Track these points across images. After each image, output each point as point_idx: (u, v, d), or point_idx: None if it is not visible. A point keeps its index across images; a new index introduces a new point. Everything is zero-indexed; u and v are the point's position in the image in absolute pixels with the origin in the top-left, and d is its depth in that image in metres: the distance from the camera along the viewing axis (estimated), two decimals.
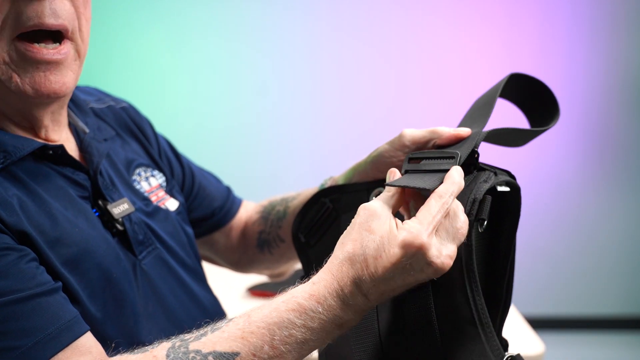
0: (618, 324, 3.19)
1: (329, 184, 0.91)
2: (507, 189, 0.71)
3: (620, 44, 2.97)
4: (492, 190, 0.69)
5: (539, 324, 2.97)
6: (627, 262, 3.18)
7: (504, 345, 0.75)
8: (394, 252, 0.62)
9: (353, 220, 0.66)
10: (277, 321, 0.63)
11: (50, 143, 0.76)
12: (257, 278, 1.61)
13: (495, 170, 0.70)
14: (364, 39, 2.95)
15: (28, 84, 0.70)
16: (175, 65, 2.99)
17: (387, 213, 0.65)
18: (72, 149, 0.83)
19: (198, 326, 0.67)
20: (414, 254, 0.62)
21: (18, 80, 0.70)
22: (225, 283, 1.33)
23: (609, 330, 3.18)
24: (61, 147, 0.76)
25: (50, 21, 0.70)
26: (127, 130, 0.97)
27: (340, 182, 0.88)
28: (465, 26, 2.95)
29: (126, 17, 2.91)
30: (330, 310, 0.63)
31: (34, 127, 0.77)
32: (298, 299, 0.64)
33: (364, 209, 0.66)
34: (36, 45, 0.70)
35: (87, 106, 0.91)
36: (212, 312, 0.91)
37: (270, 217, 1.07)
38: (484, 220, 0.66)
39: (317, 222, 0.84)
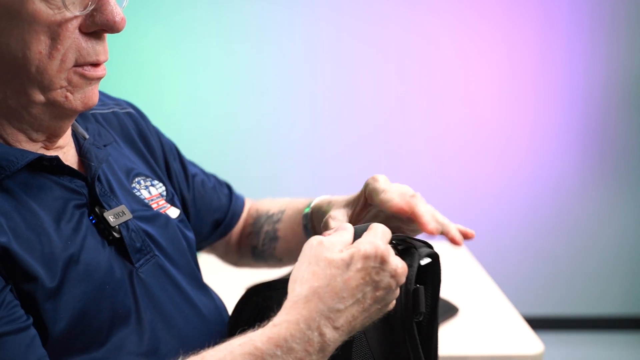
0: (618, 324, 3.19)
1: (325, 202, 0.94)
2: (428, 260, 0.74)
3: (620, 44, 2.97)
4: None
5: (538, 323, 2.97)
6: (627, 262, 3.18)
7: None
8: (360, 266, 0.63)
9: (302, 255, 0.67)
10: None
11: (46, 154, 0.75)
12: (256, 278, 1.61)
13: (414, 243, 0.73)
14: (365, 39, 2.95)
15: (79, 100, 0.74)
16: (175, 66, 2.98)
17: (334, 239, 0.67)
18: (72, 155, 0.82)
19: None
20: (380, 263, 0.64)
21: (71, 97, 0.73)
22: (225, 283, 1.34)
23: (608, 330, 3.18)
24: (56, 158, 0.75)
25: (104, 58, 0.76)
26: (127, 139, 0.95)
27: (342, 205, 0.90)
28: (465, 26, 2.94)
29: (126, 17, 2.89)
30: (290, 353, 0.61)
31: (55, 137, 0.78)
32: (255, 342, 0.62)
33: (309, 244, 0.67)
34: (88, 66, 0.74)
35: (88, 111, 0.90)
36: (211, 320, 0.89)
37: (261, 235, 1.07)
38: (422, 314, 0.70)
39: (252, 322, 0.78)
